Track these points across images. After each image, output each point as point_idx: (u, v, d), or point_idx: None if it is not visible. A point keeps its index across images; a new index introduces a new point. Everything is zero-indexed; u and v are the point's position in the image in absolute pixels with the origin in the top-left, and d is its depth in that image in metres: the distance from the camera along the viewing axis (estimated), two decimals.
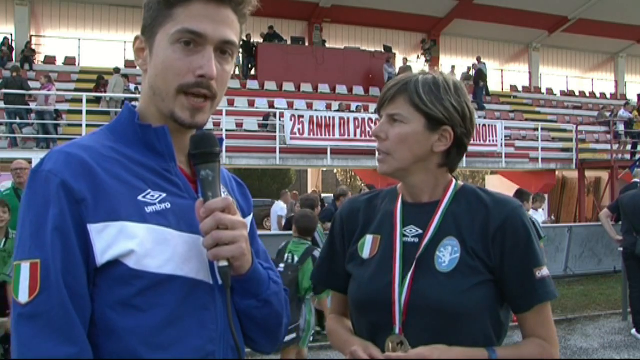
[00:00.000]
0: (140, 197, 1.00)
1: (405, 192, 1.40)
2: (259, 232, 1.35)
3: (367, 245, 1.37)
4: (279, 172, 25.35)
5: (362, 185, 19.70)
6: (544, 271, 1.28)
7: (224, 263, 1.00)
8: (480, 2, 20.99)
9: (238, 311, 1.11)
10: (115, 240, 0.95)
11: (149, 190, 1.02)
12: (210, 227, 0.99)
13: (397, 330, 1.27)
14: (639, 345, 6.07)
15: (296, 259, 4.29)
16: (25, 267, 0.92)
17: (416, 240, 1.31)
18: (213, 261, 1.02)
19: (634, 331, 6.35)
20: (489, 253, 1.27)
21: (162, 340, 0.97)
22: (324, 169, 22.98)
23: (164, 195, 1.03)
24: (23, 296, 0.91)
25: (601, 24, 23.08)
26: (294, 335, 4.12)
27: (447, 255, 1.27)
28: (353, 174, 31.46)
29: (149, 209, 1.00)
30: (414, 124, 1.30)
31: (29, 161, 10.88)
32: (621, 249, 6.58)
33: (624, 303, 7.07)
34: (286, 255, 4.35)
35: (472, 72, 21.25)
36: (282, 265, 4.24)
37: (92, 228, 0.95)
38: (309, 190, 20.73)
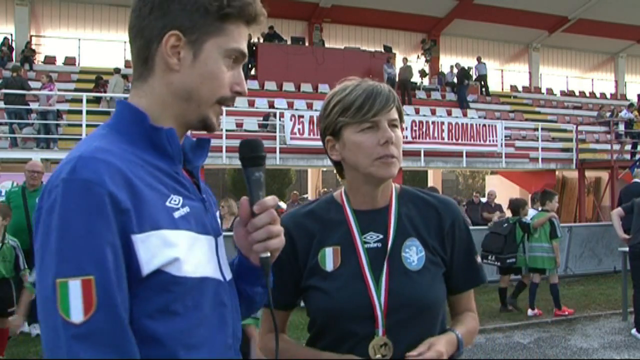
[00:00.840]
0: (167, 203, 1.00)
1: (360, 199, 1.43)
2: None
3: (329, 258, 1.39)
4: (279, 172, 25.34)
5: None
6: (479, 258, 1.52)
7: (267, 254, 1.08)
8: (480, 2, 21.00)
9: (243, 297, 1.18)
10: (159, 249, 0.95)
11: (172, 195, 1.02)
12: (265, 222, 1.07)
13: (380, 333, 1.32)
14: (639, 345, 6.07)
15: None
16: (75, 284, 0.87)
17: (379, 245, 1.39)
18: (259, 253, 1.08)
19: (634, 331, 6.35)
20: (444, 248, 1.43)
21: (195, 340, 0.99)
22: (324, 169, 22.98)
23: (181, 198, 1.03)
24: (77, 315, 0.86)
25: (601, 24, 23.09)
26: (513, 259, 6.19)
27: (414, 254, 1.39)
28: None
29: (176, 215, 1.00)
30: (400, 129, 1.41)
31: (29, 161, 10.91)
32: (626, 248, 6.57)
33: (624, 303, 7.07)
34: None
35: (473, 72, 21.29)
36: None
37: (136, 239, 0.93)
38: (309, 190, 20.73)
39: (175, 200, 1.01)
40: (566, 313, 7.24)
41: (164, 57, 1.03)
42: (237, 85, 1.09)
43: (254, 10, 1.08)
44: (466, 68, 19.80)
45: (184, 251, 0.98)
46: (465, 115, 18.03)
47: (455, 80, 20.14)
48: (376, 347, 1.31)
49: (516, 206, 7.79)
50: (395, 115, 1.38)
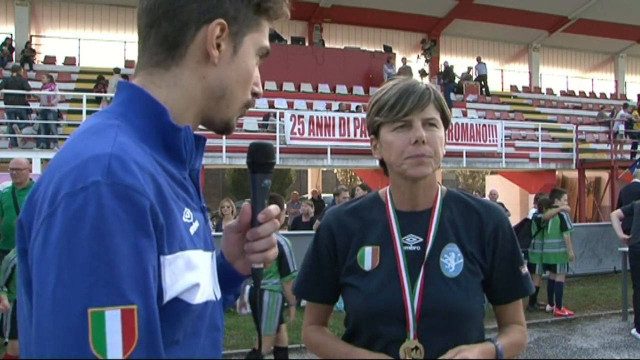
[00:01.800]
0: (183, 218, 0.86)
1: (402, 199, 1.43)
2: None
3: (368, 257, 1.39)
4: (279, 172, 25.35)
5: (358, 184, 19.68)
6: (525, 268, 1.46)
7: (260, 265, 1.02)
8: (480, 2, 20.99)
9: None
10: (181, 273, 0.81)
11: (185, 208, 0.87)
12: (269, 232, 1.00)
13: (411, 337, 1.32)
14: (639, 345, 6.07)
15: None
16: (113, 314, 0.69)
17: (418, 248, 1.38)
18: (251, 263, 1.01)
19: (634, 331, 6.35)
20: (484, 255, 1.39)
21: None
22: (324, 169, 22.98)
23: (190, 211, 0.89)
24: (115, 353, 0.69)
25: (601, 24, 23.08)
26: None
27: (452, 261, 1.36)
28: (353, 174, 31.47)
29: (191, 231, 0.87)
30: (442, 128, 1.38)
31: (29, 161, 10.85)
32: (626, 248, 6.57)
33: (624, 303, 7.07)
34: None
35: (473, 72, 21.28)
36: None
37: (165, 260, 0.78)
38: (309, 191, 20.73)
39: (187, 214, 0.87)
40: (566, 314, 7.25)
41: (202, 47, 0.89)
42: (257, 87, 0.99)
43: (285, 10, 1.00)
44: (449, 67, 19.74)
45: (202, 274, 0.87)
46: (465, 115, 18.03)
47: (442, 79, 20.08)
48: (407, 350, 1.31)
49: (554, 195, 7.49)
50: (432, 114, 1.35)
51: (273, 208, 1.02)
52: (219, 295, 0.97)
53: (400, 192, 1.43)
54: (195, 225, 0.89)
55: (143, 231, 0.74)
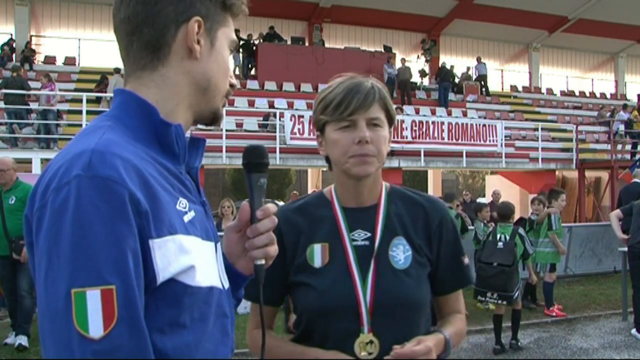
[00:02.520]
0: (177, 206, 0.92)
1: (348, 196, 1.45)
2: None
3: (317, 254, 1.40)
4: (279, 172, 25.37)
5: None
6: (467, 259, 1.52)
7: (262, 261, 1.06)
8: (480, 2, 21.00)
9: None
10: (175, 256, 0.88)
11: (179, 198, 0.94)
12: (268, 228, 1.05)
13: (365, 330, 1.33)
14: (639, 345, 6.07)
15: (507, 237, 5.90)
16: (94, 294, 0.77)
17: (367, 242, 1.40)
18: (254, 260, 1.06)
19: (634, 331, 6.35)
20: (430, 247, 1.44)
21: (201, 354, 0.93)
22: (324, 169, 22.98)
23: (187, 201, 0.96)
24: (96, 330, 0.76)
25: (601, 24, 23.09)
26: (518, 292, 5.73)
27: (401, 253, 1.40)
28: None
29: (185, 219, 0.93)
30: (386, 127, 1.41)
31: (29, 161, 10.81)
32: (626, 248, 6.57)
33: (624, 303, 7.07)
34: (498, 236, 5.95)
35: (472, 72, 21.28)
36: (500, 244, 5.86)
37: (154, 244, 0.85)
38: (309, 191, 20.72)
39: (182, 204, 0.94)
40: (554, 314, 7.26)
41: (184, 44, 0.97)
42: (232, 78, 1.08)
43: (244, 8, 1.08)
44: (446, 67, 19.74)
45: (197, 259, 0.92)
46: (448, 113, 18.03)
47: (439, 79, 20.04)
48: (362, 344, 1.32)
49: (506, 213, 6.45)
50: (377, 114, 1.38)
51: (271, 205, 1.07)
52: (226, 285, 1.03)
53: (345, 189, 1.45)
54: (191, 214, 0.95)
55: (121, 217, 0.81)
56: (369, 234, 1.40)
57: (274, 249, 1.07)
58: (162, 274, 0.86)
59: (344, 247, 1.39)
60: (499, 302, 5.70)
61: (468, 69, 21.23)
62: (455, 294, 1.50)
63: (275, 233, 1.42)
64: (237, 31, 1.09)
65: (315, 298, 1.37)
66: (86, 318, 0.77)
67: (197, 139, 1.04)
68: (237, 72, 18.27)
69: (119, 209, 0.81)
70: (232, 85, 1.08)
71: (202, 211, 1.01)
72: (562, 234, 7.48)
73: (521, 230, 6.13)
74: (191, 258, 0.91)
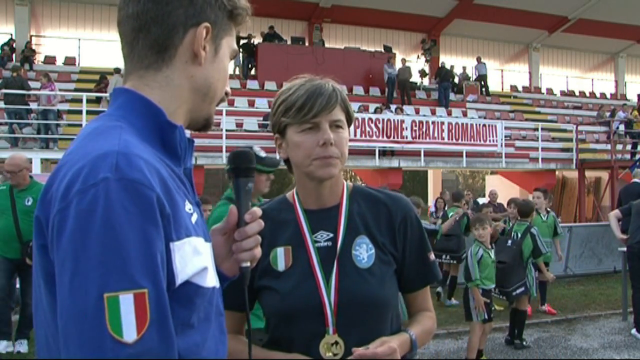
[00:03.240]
0: (186, 209, 0.93)
1: (309, 199, 1.44)
2: None
3: (280, 257, 1.40)
4: (279, 172, 25.26)
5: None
6: (432, 255, 1.52)
7: (248, 264, 1.09)
8: (480, 2, 20.99)
9: None
10: (190, 258, 0.89)
11: (185, 200, 0.95)
12: (256, 231, 1.08)
13: (330, 331, 1.33)
14: (639, 345, 6.07)
15: (519, 236, 6.03)
16: (127, 298, 0.76)
17: (329, 243, 1.40)
18: (240, 262, 1.09)
19: (634, 331, 6.36)
20: (395, 245, 1.43)
21: (206, 354, 0.94)
22: None
23: (189, 203, 0.96)
24: (130, 334, 0.76)
25: (601, 24, 23.08)
26: (523, 289, 5.82)
27: (364, 252, 1.39)
28: (353, 173, 31.47)
29: (192, 220, 0.94)
30: (347, 128, 1.42)
31: (29, 161, 10.80)
32: (624, 248, 6.56)
33: (624, 303, 7.07)
34: (512, 234, 6.14)
35: (472, 72, 21.26)
36: (509, 241, 6.02)
37: (174, 246, 0.86)
38: None
39: (188, 206, 0.95)
40: (546, 310, 7.40)
41: (190, 49, 0.97)
42: (227, 87, 1.09)
43: (247, 19, 1.09)
44: (445, 67, 19.73)
45: (207, 260, 0.94)
46: (448, 113, 18.03)
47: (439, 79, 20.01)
48: (327, 345, 1.32)
49: (525, 210, 6.43)
50: (339, 116, 1.38)
51: (257, 209, 1.10)
52: (218, 284, 1.04)
53: (307, 191, 1.44)
54: (195, 216, 0.96)
55: (151, 221, 0.81)
56: (331, 235, 1.40)
57: (259, 252, 1.09)
58: (181, 275, 0.87)
59: (307, 248, 1.39)
60: (501, 297, 5.88)
61: (464, 68, 21.17)
62: (422, 292, 1.50)
63: None
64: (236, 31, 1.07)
65: (279, 301, 1.37)
66: (120, 322, 0.76)
67: (188, 139, 1.05)
68: (237, 72, 18.27)
69: (148, 212, 0.81)
70: (226, 93, 1.09)
71: (199, 212, 1.01)
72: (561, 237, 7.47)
73: (534, 229, 6.11)
74: (203, 259, 0.92)
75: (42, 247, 0.85)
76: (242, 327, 1.51)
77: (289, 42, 19.49)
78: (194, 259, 0.90)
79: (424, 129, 14.39)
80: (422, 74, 21.04)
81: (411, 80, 19.14)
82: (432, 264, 1.50)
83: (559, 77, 26.22)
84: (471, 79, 21.09)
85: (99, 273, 0.76)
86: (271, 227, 1.42)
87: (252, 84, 17.92)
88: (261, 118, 14.98)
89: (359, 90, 18.66)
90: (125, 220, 0.78)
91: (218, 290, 1.02)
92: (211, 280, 0.95)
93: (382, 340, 1.30)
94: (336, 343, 1.32)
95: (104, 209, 0.77)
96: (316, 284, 1.35)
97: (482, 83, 20.99)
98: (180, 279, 0.87)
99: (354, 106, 17.68)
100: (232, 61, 1.17)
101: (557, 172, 16.86)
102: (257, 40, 19.02)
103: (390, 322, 1.40)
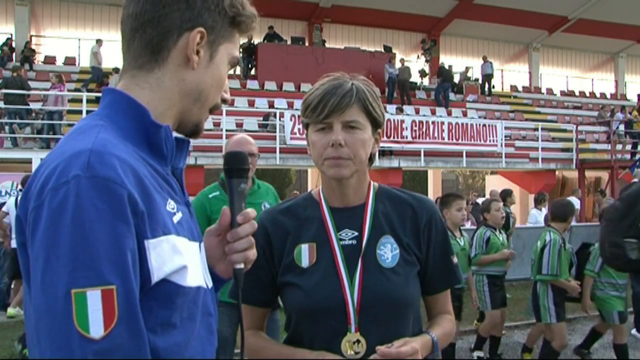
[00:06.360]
0: (167, 207, 0.93)
1: (334, 197, 1.45)
2: None
3: (305, 254, 1.40)
4: (279, 172, 25.33)
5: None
6: (455, 258, 1.52)
7: (241, 265, 1.07)
8: (480, 2, 21.00)
9: None
10: (169, 256, 0.89)
11: (168, 199, 0.95)
12: (249, 232, 1.06)
13: (352, 330, 1.33)
14: (639, 345, 6.06)
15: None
16: (94, 294, 0.77)
17: (354, 242, 1.40)
18: (234, 264, 1.07)
19: (634, 331, 6.35)
20: (419, 246, 1.44)
21: (189, 354, 0.94)
22: None
23: (174, 202, 0.97)
24: (97, 330, 0.77)
25: (601, 24, 23.08)
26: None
27: (388, 252, 1.40)
28: None
29: (174, 220, 0.94)
30: (367, 129, 1.39)
31: (29, 161, 10.80)
32: None
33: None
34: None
35: (471, 72, 21.26)
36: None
37: (149, 244, 0.86)
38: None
39: (171, 205, 0.95)
40: None
41: (184, 52, 0.98)
42: (226, 93, 1.09)
43: (254, 25, 1.08)
44: (445, 67, 19.73)
45: (188, 259, 0.94)
46: (448, 113, 18.04)
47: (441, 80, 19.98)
48: (349, 343, 1.32)
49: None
50: (354, 117, 1.36)
51: (251, 210, 1.09)
52: (210, 284, 1.04)
53: (330, 189, 1.45)
54: (179, 215, 0.96)
55: (121, 218, 0.81)
56: (356, 233, 1.40)
57: (252, 253, 1.08)
58: (157, 274, 0.87)
59: (331, 246, 1.39)
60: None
61: (467, 69, 21.19)
62: (443, 294, 1.50)
63: (263, 234, 1.40)
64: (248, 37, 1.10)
65: (302, 298, 1.37)
66: (87, 318, 0.77)
67: (182, 140, 1.05)
68: (237, 72, 18.28)
69: (118, 209, 0.81)
70: (224, 101, 1.09)
71: (187, 212, 1.02)
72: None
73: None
74: (183, 258, 0.92)
75: (22, 245, 0.86)
76: (263, 322, 1.52)
77: (289, 42, 19.49)
78: (174, 257, 0.90)
79: (424, 129, 14.40)
80: (422, 74, 21.04)
81: (411, 80, 19.14)
82: (455, 267, 1.50)
83: (559, 77, 26.22)
84: (473, 79, 21.07)
85: (68, 270, 0.77)
86: (296, 224, 1.44)
87: (252, 84, 17.93)
88: (261, 118, 15.00)
89: None
90: (95, 217, 0.79)
91: (207, 291, 1.01)
92: (194, 280, 0.94)
93: (405, 340, 1.30)
94: (358, 341, 1.32)
95: (74, 206, 0.79)
96: (340, 281, 1.35)
97: (488, 82, 20.96)
98: (156, 277, 0.87)
99: None
100: None
101: (557, 172, 16.86)
102: (257, 40, 19.02)
103: (412, 323, 1.41)
